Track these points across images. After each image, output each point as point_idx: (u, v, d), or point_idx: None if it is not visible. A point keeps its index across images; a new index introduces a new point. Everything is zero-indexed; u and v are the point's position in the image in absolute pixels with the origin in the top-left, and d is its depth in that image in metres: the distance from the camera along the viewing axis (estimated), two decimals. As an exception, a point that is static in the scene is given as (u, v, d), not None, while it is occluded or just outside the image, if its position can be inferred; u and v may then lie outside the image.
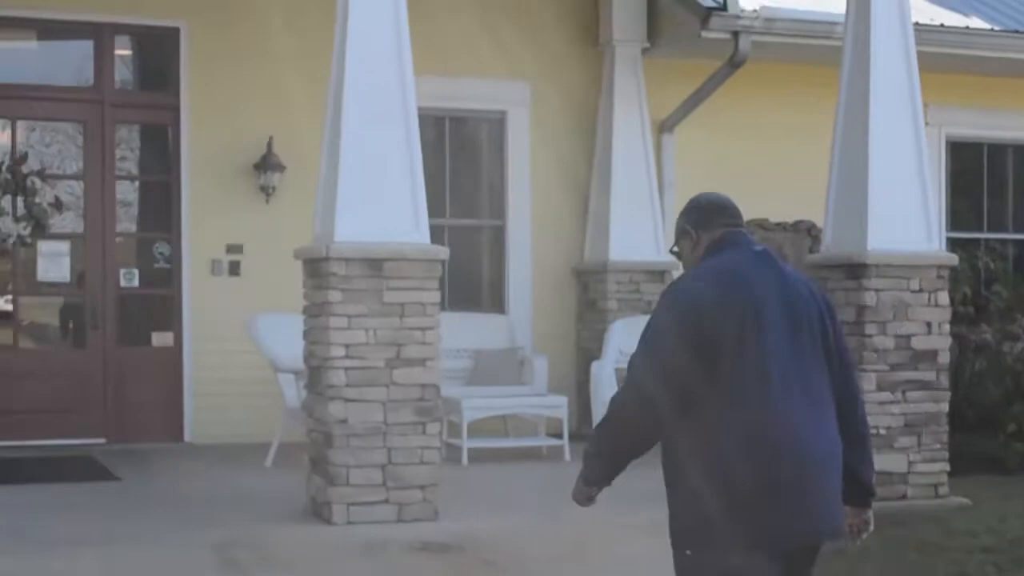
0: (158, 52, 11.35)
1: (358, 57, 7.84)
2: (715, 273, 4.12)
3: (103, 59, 11.01)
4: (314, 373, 7.93)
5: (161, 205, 11.32)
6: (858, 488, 4.24)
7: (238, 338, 10.13)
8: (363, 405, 7.63)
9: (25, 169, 10.75)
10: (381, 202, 7.74)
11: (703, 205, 4.34)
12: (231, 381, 10.78)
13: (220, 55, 11.07)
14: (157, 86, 11.44)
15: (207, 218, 11.02)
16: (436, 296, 7.82)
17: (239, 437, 10.62)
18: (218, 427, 10.84)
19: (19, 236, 10.64)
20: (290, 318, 9.13)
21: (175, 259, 11.10)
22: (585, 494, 4.24)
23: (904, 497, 8.63)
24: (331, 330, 7.60)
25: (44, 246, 10.86)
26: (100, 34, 10.99)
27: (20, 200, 10.71)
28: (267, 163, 11.05)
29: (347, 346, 7.62)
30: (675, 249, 4.38)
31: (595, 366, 10.64)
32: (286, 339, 9.32)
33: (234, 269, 11.10)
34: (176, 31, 11.10)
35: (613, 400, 4.16)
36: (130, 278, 11.07)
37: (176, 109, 11.08)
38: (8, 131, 10.94)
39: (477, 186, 12.30)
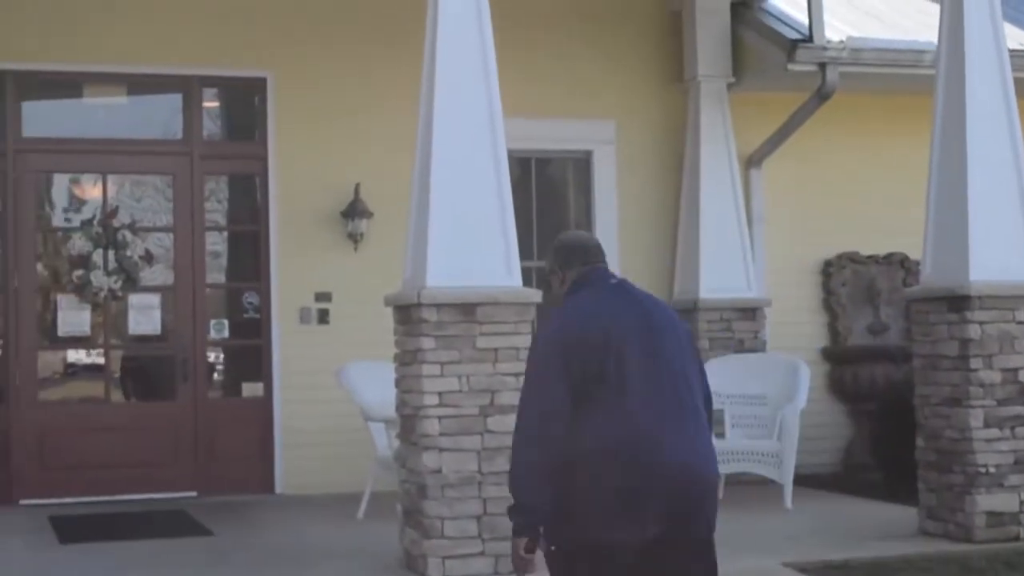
0: (245, 102, 11.42)
1: (446, 101, 7.78)
2: (574, 310, 4.60)
3: (191, 111, 11.06)
4: (406, 422, 7.84)
5: (250, 255, 11.33)
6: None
7: (328, 387, 10.04)
8: (457, 454, 7.51)
9: (116, 223, 10.81)
10: (472, 246, 7.65)
11: (566, 245, 4.84)
12: (322, 431, 10.72)
13: (306, 103, 11.07)
14: (245, 136, 11.50)
15: (295, 267, 10.99)
16: (529, 340, 7.70)
17: (330, 488, 10.56)
18: (309, 478, 10.77)
19: (110, 289, 10.68)
20: (381, 366, 9.07)
21: (264, 309, 11.08)
22: (517, 554, 4.41)
23: (1017, 538, 8.34)
24: (423, 378, 7.51)
25: (135, 299, 10.90)
26: (188, 87, 11.04)
27: (111, 253, 10.76)
28: (355, 210, 11.01)
29: (440, 394, 7.52)
30: (547, 282, 4.85)
31: (690, 407, 10.41)
32: (377, 387, 9.23)
33: (323, 317, 11.04)
34: (263, 81, 11.12)
35: (514, 457, 4.47)
36: (220, 329, 11.08)
37: (264, 158, 11.09)
38: (99, 185, 11.00)
39: (564, 226, 12.16)
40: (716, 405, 10.20)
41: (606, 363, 4.41)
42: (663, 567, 4.41)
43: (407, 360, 7.78)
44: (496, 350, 7.60)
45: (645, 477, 4.34)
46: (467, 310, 7.58)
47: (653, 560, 4.38)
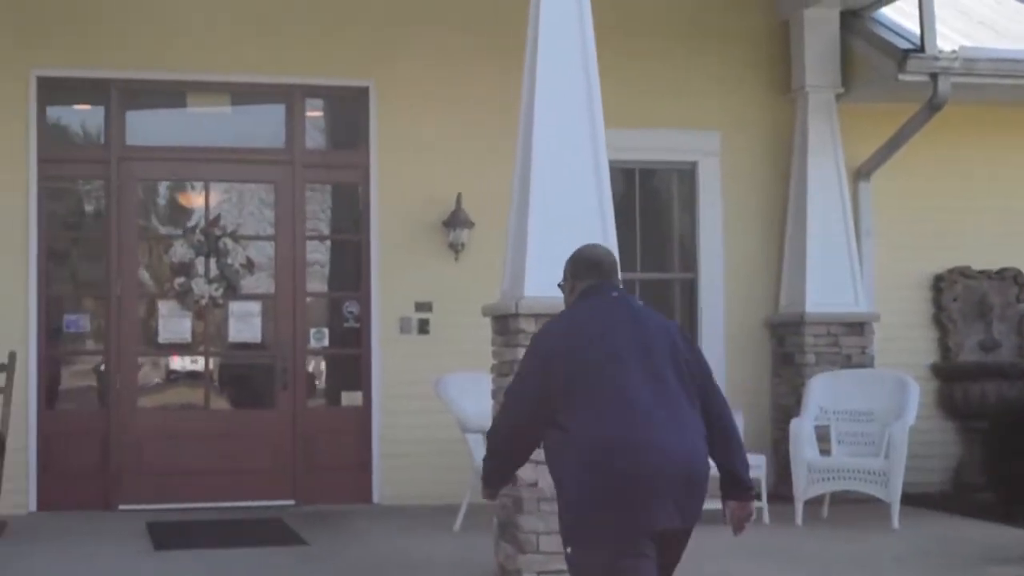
0: (348, 111, 11.37)
1: (546, 110, 7.67)
2: (570, 318, 5.03)
3: (294, 120, 11.04)
4: (504, 434, 7.70)
5: (351, 264, 11.28)
6: (735, 482, 4.90)
7: (427, 397, 9.93)
8: (554, 466, 7.36)
9: (218, 231, 10.82)
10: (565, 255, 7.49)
11: (581, 260, 5.24)
12: (420, 441, 10.64)
13: (409, 112, 11.01)
14: (347, 145, 11.43)
15: (396, 276, 10.93)
16: (628, 353, 7.54)
17: (428, 499, 10.48)
18: (406, 488, 10.69)
19: (211, 297, 10.69)
20: (479, 377, 8.99)
21: (364, 318, 11.01)
22: (486, 493, 5.16)
23: None
24: (520, 389, 7.37)
25: (235, 307, 10.90)
26: (291, 96, 11.03)
27: (213, 261, 10.77)
28: (456, 219, 10.92)
29: (538, 406, 7.37)
30: (560, 286, 5.26)
31: (795, 424, 10.23)
32: (475, 398, 9.13)
33: (423, 327, 10.96)
34: (365, 90, 11.07)
35: (493, 422, 5.20)
36: (320, 338, 11.04)
37: (366, 168, 11.04)
38: (202, 193, 11.03)
39: (668, 239, 12.03)
40: (822, 421, 10.32)
41: (592, 368, 4.71)
42: (657, 557, 4.68)
43: (504, 371, 7.67)
44: (595, 362, 7.44)
45: (637, 466, 4.59)
46: (566, 320, 7.43)
47: (654, 550, 4.65)
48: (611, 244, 7.56)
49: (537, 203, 7.57)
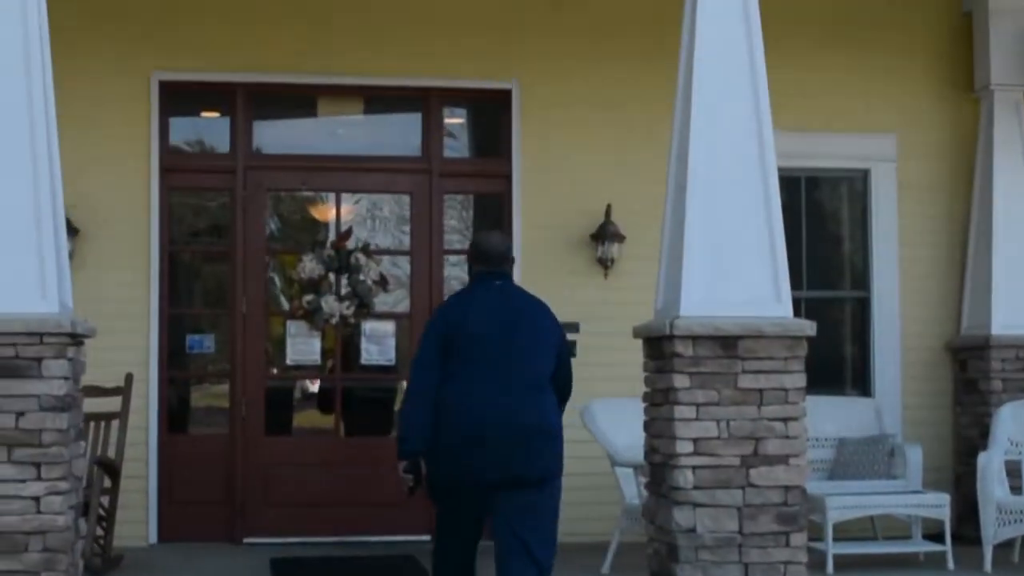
0: (488, 116, 10.63)
1: (705, 112, 6.85)
2: (456, 301, 6.23)
3: (431, 126, 10.33)
4: (656, 471, 6.85)
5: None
6: None
7: (572, 425, 8.82)
8: (714, 511, 6.53)
9: (349, 245, 10.12)
10: (734, 271, 6.71)
11: (474, 249, 6.30)
12: (568, 475, 9.61)
13: (554, 116, 10.27)
14: (488, 152, 10.70)
15: (541, 293, 9.66)
16: (801, 380, 6.66)
17: (573, 535, 9.39)
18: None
19: (342, 316, 9.99)
20: (630, 404, 8.18)
21: (506, 339, 10.21)
22: (401, 466, 6.00)
23: None
24: (676, 421, 6.53)
25: (368, 326, 10.19)
26: (428, 100, 10.31)
27: (344, 278, 10.08)
28: (606, 233, 10.11)
29: (695, 440, 6.55)
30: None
31: (982, 458, 9.14)
32: (625, 428, 8.45)
33: (570, 349, 10.08)
34: (507, 93, 10.32)
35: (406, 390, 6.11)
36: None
37: (508, 176, 10.29)
38: (332, 205, 10.35)
39: (836, 254, 11.03)
40: (1013, 456, 9.26)
41: (464, 343, 5.89)
42: (500, 499, 5.83)
43: (658, 400, 6.81)
44: (761, 391, 6.62)
45: (479, 428, 5.76)
46: (727, 344, 6.60)
47: (489, 498, 5.83)
48: (779, 254, 6.70)
49: (694, 211, 6.77)
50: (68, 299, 6.49)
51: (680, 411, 6.53)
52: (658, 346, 6.80)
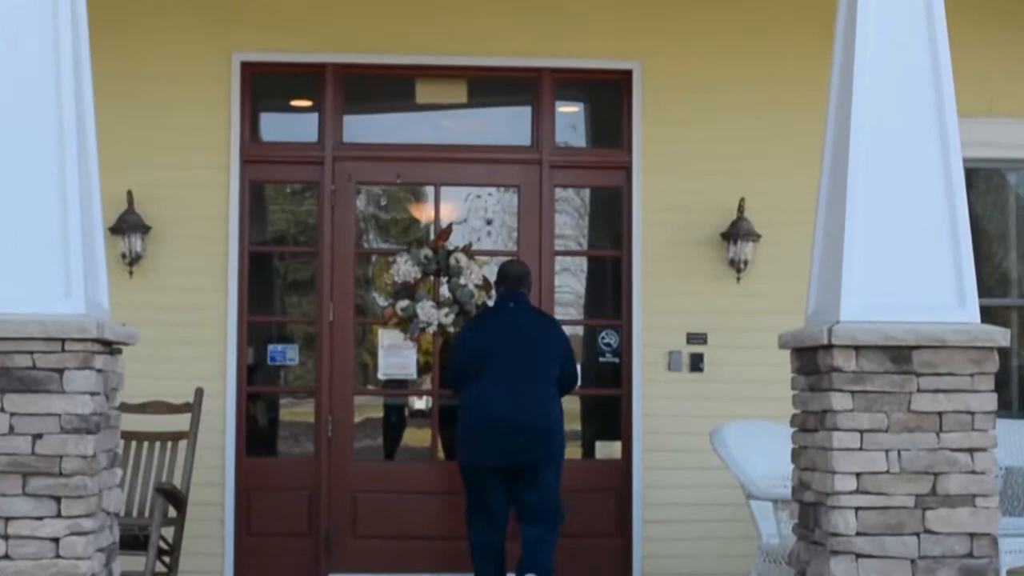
0: (606, 100, 9.48)
1: (871, 89, 5.68)
2: (480, 319, 8.18)
3: (542, 111, 9.21)
4: (807, 512, 5.64)
5: (609, 285, 9.46)
6: None
7: (701, 450, 8.16)
8: (882, 563, 5.32)
9: (449, 245, 9.04)
10: (906, 269, 5.52)
11: (500, 273, 8.19)
12: (692, 505, 8.88)
13: (681, 101, 9.15)
14: (606, 141, 9.54)
15: (664, 300, 9.06)
16: (991, 401, 5.44)
17: (704, 575, 8.59)
18: (675, 563, 8.88)
19: (440, 324, 8.90)
20: (769, 428, 7.67)
21: (625, 351, 9.14)
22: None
23: None
24: (835, 451, 5.32)
25: (465, 336, 9.08)
26: (539, 82, 9.20)
27: (443, 281, 9.02)
28: (738, 231, 8.96)
29: (858, 475, 5.34)
30: None
31: None
32: (763, 455, 7.62)
33: (696, 363, 9.04)
34: (628, 74, 9.20)
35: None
36: (571, 373, 9.14)
37: (628, 168, 9.16)
38: (430, 200, 9.27)
39: (1000, 256, 9.71)
40: None
41: (482, 357, 7.68)
42: (508, 482, 7.67)
43: (810, 425, 5.61)
44: (941, 415, 5.40)
45: (488, 425, 7.63)
46: (900, 355, 5.39)
47: (501, 477, 7.65)
48: (963, 251, 5.52)
49: (857, 202, 5.59)
50: (102, 298, 5.47)
51: (840, 438, 5.32)
52: (811, 358, 5.60)
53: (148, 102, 8.84)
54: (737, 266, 9.00)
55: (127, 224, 8.64)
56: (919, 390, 5.35)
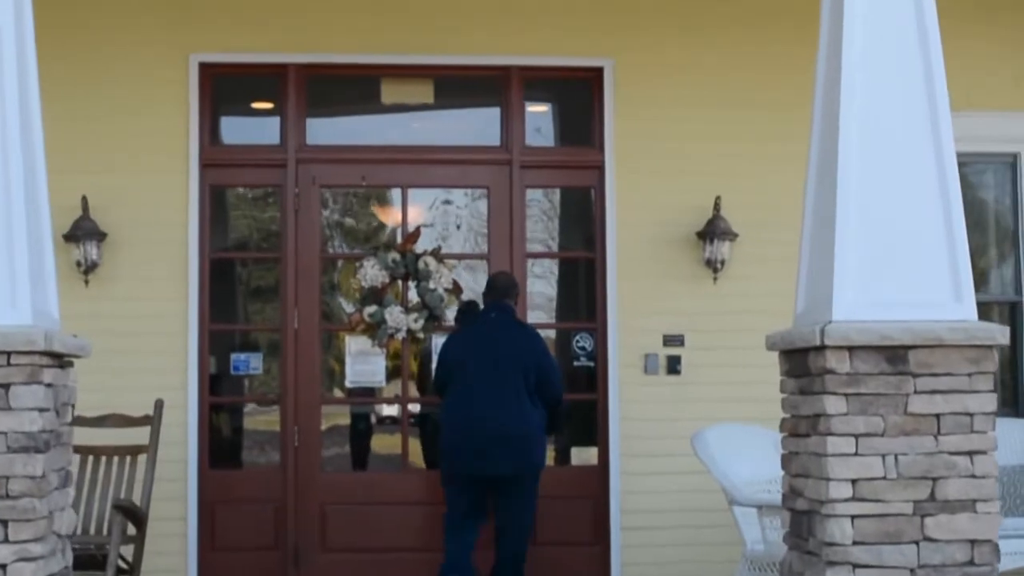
0: (577, 98, 9.22)
1: (859, 81, 5.44)
2: (459, 333, 8.15)
3: (511, 111, 8.95)
4: (799, 520, 5.39)
5: (582, 287, 9.21)
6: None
7: (681, 454, 7.99)
8: (880, 573, 5.07)
9: (418, 249, 8.76)
10: (900, 266, 5.29)
11: (487, 283, 8.26)
12: (672, 511, 8.61)
13: (653, 98, 8.91)
14: (576, 141, 9.28)
15: (639, 302, 8.80)
16: (990, 402, 5.22)
17: None
18: (655, 570, 8.64)
19: (409, 330, 8.62)
20: (751, 431, 7.58)
21: (599, 355, 8.89)
22: None
23: None
24: (829, 457, 5.07)
25: (440, 341, 8.79)
26: (507, 79, 8.94)
27: (412, 286, 8.74)
28: (714, 230, 8.72)
29: (854, 481, 5.09)
30: None
31: None
32: (746, 459, 7.46)
33: (673, 366, 8.80)
34: (599, 72, 8.96)
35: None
36: (548, 379, 8.88)
37: (600, 167, 8.91)
38: (397, 203, 8.99)
39: (982, 251, 9.50)
40: None
41: (460, 366, 7.81)
42: (486, 493, 7.75)
43: (802, 429, 5.36)
44: (939, 417, 5.16)
45: (462, 433, 7.71)
46: (895, 356, 5.15)
47: (478, 487, 7.73)
48: (958, 246, 5.32)
49: (848, 194, 5.37)
50: (51, 308, 5.17)
51: (834, 444, 5.07)
52: (802, 360, 5.35)
53: (103, 105, 8.56)
54: (714, 266, 8.77)
55: (82, 231, 8.33)
56: (916, 392, 5.12)
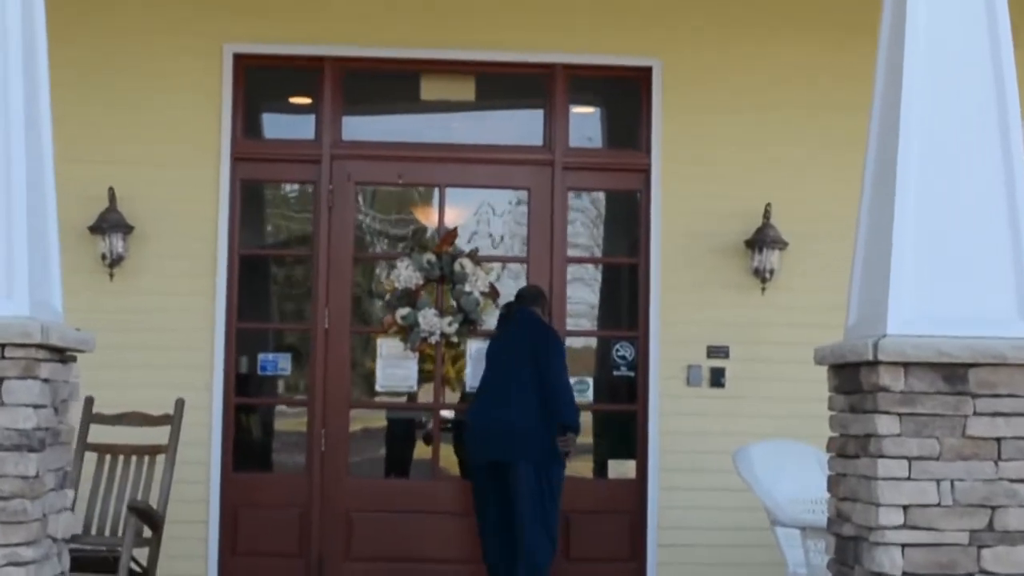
0: (624, 98, 8.92)
1: (921, 79, 5.04)
2: (497, 333, 8.28)
3: (555, 110, 8.65)
4: (845, 546, 5.04)
5: (625, 295, 8.90)
6: (559, 423, 7.82)
7: (722, 471, 7.68)
8: (935, 608, 4.68)
9: (454, 250, 8.47)
10: (961, 276, 4.90)
11: (517, 294, 8.21)
12: (711, 529, 8.35)
13: (704, 100, 8.64)
14: (623, 143, 8.98)
15: (683, 311, 8.52)
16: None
17: None
18: (694, 590, 8.34)
19: (443, 334, 8.33)
20: (797, 449, 7.23)
21: (641, 365, 8.59)
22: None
23: None
24: (879, 481, 4.71)
25: (475, 347, 8.53)
26: (551, 79, 8.65)
27: (447, 288, 8.46)
28: (764, 238, 8.41)
29: (906, 507, 4.71)
30: None
31: None
32: (790, 478, 7.12)
33: (717, 379, 8.50)
34: (647, 71, 8.66)
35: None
36: (583, 389, 8.60)
37: (646, 170, 8.61)
38: (435, 203, 8.70)
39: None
40: None
41: (487, 368, 8.06)
42: (498, 486, 7.81)
43: (851, 450, 5.01)
44: (999, 440, 4.78)
45: (474, 426, 7.96)
46: (954, 374, 4.78)
47: (489, 479, 7.84)
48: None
49: (906, 207, 4.97)
50: (53, 300, 4.89)
51: (885, 467, 4.71)
52: (853, 376, 4.99)
53: (133, 95, 8.36)
54: (762, 276, 8.45)
55: (107, 223, 8.10)
56: (975, 413, 4.74)
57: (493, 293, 8.48)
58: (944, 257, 4.89)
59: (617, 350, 8.71)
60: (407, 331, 8.37)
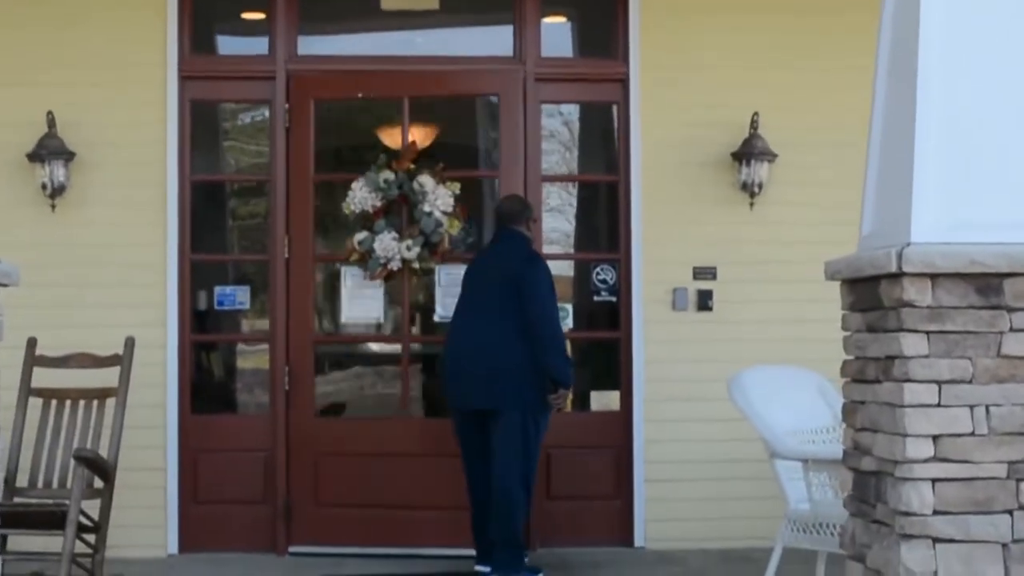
0: (598, 4, 8.50)
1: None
2: (474, 257, 7.70)
3: (524, 18, 8.16)
4: (865, 482, 4.57)
5: (604, 215, 8.58)
6: (548, 376, 7.12)
7: (714, 399, 7.32)
8: (967, 549, 4.24)
9: (413, 166, 7.92)
10: (993, 176, 4.43)
11: (495, 210, 7.66)
12: (702, 462, 8.05)
13: (685, 3, 8.23)
14: (598, 51, 8.56)
15: (667, 231, 8.15)
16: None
17: (714, 541, 7.97)
18: (682, 527, 8.06)
19: (403, 260, 7.78)
20: (794, 375, 6.78)
21: (623, 289, 8.20)
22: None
23: None
24: (905, 408, 4.24)
25: (445, 274, 8.03)
26: (522, -17, 8.24)
27: (404, 209, 7.92)
28: (751, 150, 8.00)
29: (936, 438, 4.25)
30: None
31: None
32: (789, 406, 6.67)
33: (704, 301, 8.14)
34: (625, -25, 8.27)
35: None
36: (562, 317, 8.10)
37: (624, 81, 8.17)
38: (399, 116, 8.15)
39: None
40: None
41: (461, 296, 7.41)
42: (482, 429, 7.18)
43: (870, 374, 4.54)
44: (1040, 359, 4.31)
45: (453, 365, 7.28)
46: (988, 286, 4.32)
47: (472, 422, 7.22)
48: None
49: (930, 99, 4.50)
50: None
51: (912, 392, 4.23)
52: (872, 291, 4.51)
53: (71, 10, 7.89)
54: (750, 190, 8.08)
55: (47, 150, 7.61)
56: (1012, 329, 4.28)
57: (460, 213, 7.94)
58: (973, 159, 4.42)
59: (597, 273, 8.29)
60: (366, 258, 7.85)
